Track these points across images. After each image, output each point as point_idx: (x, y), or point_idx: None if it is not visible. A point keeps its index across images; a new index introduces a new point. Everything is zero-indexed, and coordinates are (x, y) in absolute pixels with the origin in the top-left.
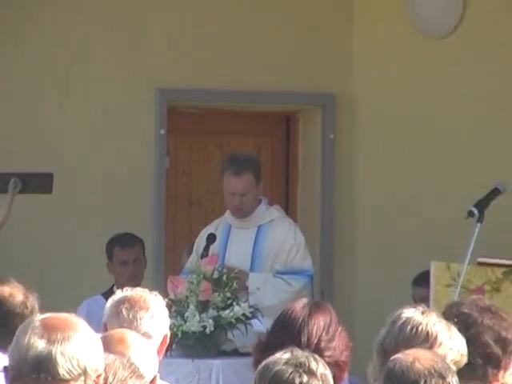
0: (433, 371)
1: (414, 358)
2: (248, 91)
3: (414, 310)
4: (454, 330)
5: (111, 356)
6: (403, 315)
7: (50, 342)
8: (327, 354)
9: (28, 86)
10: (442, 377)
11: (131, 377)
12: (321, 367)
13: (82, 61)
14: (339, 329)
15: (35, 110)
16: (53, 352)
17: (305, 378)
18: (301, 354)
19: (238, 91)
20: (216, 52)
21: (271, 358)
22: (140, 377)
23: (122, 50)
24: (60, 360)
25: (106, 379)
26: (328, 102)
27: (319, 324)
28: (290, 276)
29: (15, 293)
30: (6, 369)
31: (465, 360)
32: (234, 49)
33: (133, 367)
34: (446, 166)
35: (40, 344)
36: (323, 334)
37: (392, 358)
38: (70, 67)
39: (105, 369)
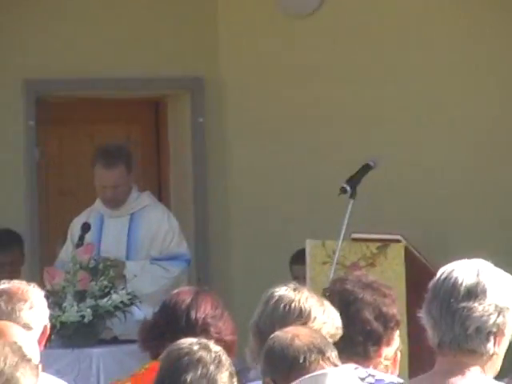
0: (312, 347)
1: (293, 334)
2: (116, 78)
3: (285, 287)
4: (327, 303)
5: None
6: (275, 294)
7: None
8: (214, 330)
9: None
10: (322, 352)
11: (22, 361)
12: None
13: None
14: (225, 313)
15: None
16: None
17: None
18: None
19: (105, 79)
20: (83, 41)
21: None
22: (30, 360)
23: None
24: None
25: None
26: (196, 86)
27: (206, 304)
28: (166, 262)
29: None
30: None
31: (340, 333)
32: (100, 36)
33: (21, 351)
34: (317, 141)
35: None
36: (210, 313)
37: (271, 336)
38: None
39: None
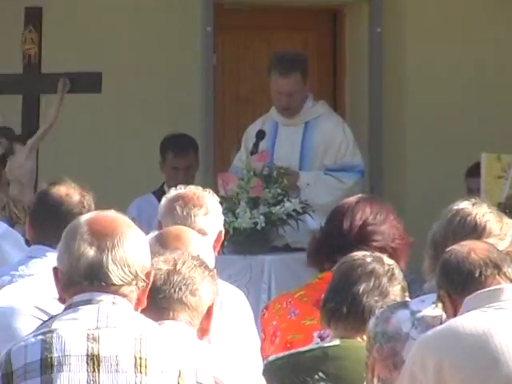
0: (488, 261)
1: (470, 248)
2: None
3: (466, 202)
4: (507, 220)
5: (178, 251)
6: (454, 207)
7: (100, 249)
8: (374, 237)
9: None
10: (498, 267)
11: (199, 266)
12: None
13: None
14: (391, 217)
15: (84, 11)
16: (104, 260)
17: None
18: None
19: None
20: None
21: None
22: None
23: None
24: (112, 268)
25: (153, 276)
26: None
27: (365, 210)
28: (340, 173)
29: (71, 192)
30: (55, 270)
31: None
32: None
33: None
34: (495, 60)
35: (90, 252)
36: (369, 218)
37: (448, 249)
38: None
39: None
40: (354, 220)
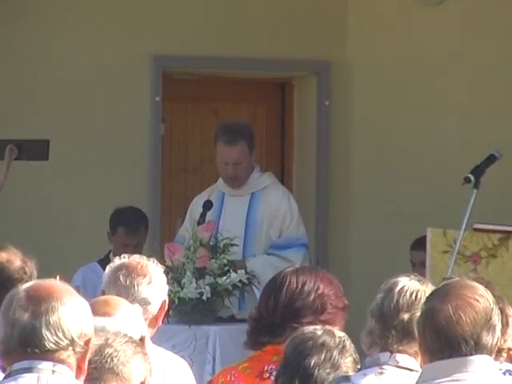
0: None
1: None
2: (243, 58)
3: (408, 278)
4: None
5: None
6: (400, 282)
7: (35, 314)
8: (302, 314)
9: (27, 53)
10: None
11: (131, 342)
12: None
13: (76, 23)
14: (320, 285)
15: (28, 75)
16: (37, 326)
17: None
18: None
19: (233, 58)
20: (211, 19)
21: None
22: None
23: (118, 16)
24: (45, 333)
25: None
26: (323, 69)
27: (291, 284)
28: (286, 251)
29: (13, 259)
30: None
31: None
32: (228, 16)
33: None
34: (443, 129)
35: (24, 318)
36: (295, 293)
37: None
38: (63, 30)
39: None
40: (280, 297)
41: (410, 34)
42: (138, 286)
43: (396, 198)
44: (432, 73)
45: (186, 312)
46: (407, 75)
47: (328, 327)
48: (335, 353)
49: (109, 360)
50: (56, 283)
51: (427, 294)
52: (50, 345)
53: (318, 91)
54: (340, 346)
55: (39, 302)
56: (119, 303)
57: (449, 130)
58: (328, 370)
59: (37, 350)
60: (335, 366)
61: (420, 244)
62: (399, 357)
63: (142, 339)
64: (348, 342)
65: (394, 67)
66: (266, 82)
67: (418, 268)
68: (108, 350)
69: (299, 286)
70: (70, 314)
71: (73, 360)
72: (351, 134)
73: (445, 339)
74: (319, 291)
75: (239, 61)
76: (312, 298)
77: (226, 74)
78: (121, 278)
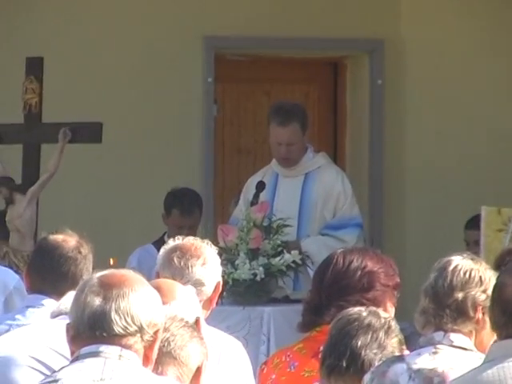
0: None
1: None
2: (295, 38)
3: (461, 257)
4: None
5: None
6: (454, 261)
7: (106, 299)
8: (347, 292)
9: (80, 39)
10: None
11: (188, 326)
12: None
13: (128, 7)
14: (368, 263)
15: (81, 59)
16: (107, 309)
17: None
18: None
19: (285, 38)
20: None
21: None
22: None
23: None
24: (114, 317)
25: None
26: (376, 48)
27: (337, 263)
28: (340, 231)
29: (68, 239)
30: (67, 326)
31: None
32: None
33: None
34: (496, 112)
35: (95, 302)
36: (341, 272)
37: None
38: (116, 14)
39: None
40: (325, 277)
41: (460, 12)
42: (192, 267)
43: (450, 176)
44: (484, 53)
45: (239, 293)
46: (462, 52)
47: (373, 308)
48: (381, 333)
49: (166, 344)
50: (129, 272)
51: (481, 273)
52: (118, 329)
53: (370, 70)
54: (385, 326)
55: (111, 288)
56: (172, 290)
57: (503, 112)
58: (375, 351)
59: (105, 334)
60: (382, 347)
61: (474, 223)
62: (453, 336)
63: (196, 321)
64: (393, 323)
65: (448, 45)
66: (319, 61)
67: (471, 247)
68: (165, 335)
69: (346, 265)
70: (140, 301)
71: (140, 347)
72: (405, 113)
73: (510, 313)
74: (366, 269)
75: (291, 41)
76: (358, 275)
77: (278, 54)
78: (175, 259)
